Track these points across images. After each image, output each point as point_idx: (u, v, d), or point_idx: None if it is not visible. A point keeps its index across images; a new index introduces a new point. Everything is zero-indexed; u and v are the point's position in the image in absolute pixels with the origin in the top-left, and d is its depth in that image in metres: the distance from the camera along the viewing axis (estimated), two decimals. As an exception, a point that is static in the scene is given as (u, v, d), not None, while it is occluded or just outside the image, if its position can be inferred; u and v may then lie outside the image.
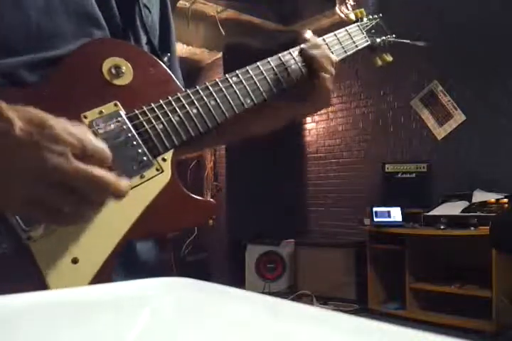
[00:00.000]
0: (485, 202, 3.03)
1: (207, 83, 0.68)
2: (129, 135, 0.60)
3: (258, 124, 0.87)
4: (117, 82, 0.62)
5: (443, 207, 3.26)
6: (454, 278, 3.08)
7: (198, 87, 0.67)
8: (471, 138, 3.46)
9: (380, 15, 0.97)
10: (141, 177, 0.61)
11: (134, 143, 0.60)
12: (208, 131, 0.67)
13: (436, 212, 3.21)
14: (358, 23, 0.93)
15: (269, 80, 0.74)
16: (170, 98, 0.64)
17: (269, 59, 0.76)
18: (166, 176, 0.63)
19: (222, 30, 4.36)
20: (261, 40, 4.55)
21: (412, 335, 0.23)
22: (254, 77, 0.72)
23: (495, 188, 3.14)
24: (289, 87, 0.77)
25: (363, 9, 0.95)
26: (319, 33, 0.84)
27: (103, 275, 0.57)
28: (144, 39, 0.72)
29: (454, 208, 3.15)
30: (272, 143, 4.64)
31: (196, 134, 0.65)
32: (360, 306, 3.56)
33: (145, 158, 0.61)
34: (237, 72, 0.71)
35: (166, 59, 0.72)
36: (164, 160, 0.63)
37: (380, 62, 0.99)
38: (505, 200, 2.96)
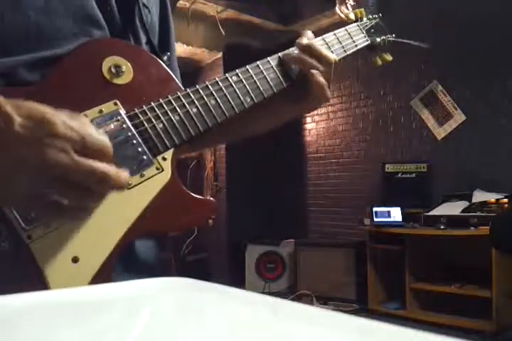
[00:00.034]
0: (485, 202, 3.03)
1: (207, 82, 0.68)
2: (129, 134, 0.60)
3: (258, 123, 0.87)
4: (117, 81, 0.62)
5: (443, 207, 3.26)
6: (454, 278, 3.08)
7: (198, 86, 0.67)
8: (471, 138, 3.46)
9: (380, 14, 0.97)
10: (141, 176, 0.61)
11: (134, 142, 0.60)
12: (208, 130, 0.67)
13: (436, 212, 3.21)
14: (358, 23, 0.93)
15: (268, 79, 0.74)
16: (170, 97, 0.64)
17: (268, 58, 0.76)
18: (166, 175, 0.63)
19: (222, 30, 4.36)
20: (261, 40, 4.55)
21: (412, 335, 0.23)
22: (254, 76, 0.73)
23: (495, 188, 3.14)
24: (289, 86, 0.77)
25: (362, 9, 0.95)
26: (319, 33, 0.84)
27: (103, 275, 0.57)
28: (143, 38, 0.72)
29: (454, 208, 3.15)
30: (272, 143, 4.65)
31: (196, 133, 0.65)
32: (360, 306, 3.56)
33: (145, 157, 0.61)
34: (236, 71, 0.71)
35: (165, 58, 0.72)
36: (164, 159, 0.63)
37: (379, 62, 0.99)
38: (505, 200, 2.96)
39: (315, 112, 4.71)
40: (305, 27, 4.15)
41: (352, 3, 0.96)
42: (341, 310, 3.36)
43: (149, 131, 0.62)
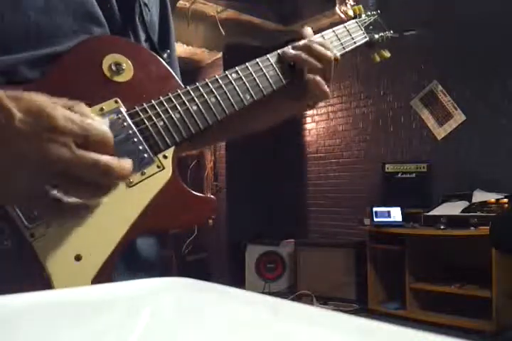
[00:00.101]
0: (485, 202, 3.03)
1: (207, 80, 0.68)
2: (130, 132, 0.60)
3: (258, 120, 0.87)
4: (118, 78, 0.62)
5: (443, 207, 3.26)
6: (454, 278, 3.08)
7: (198, 84, 0.67)
8: (471, 138, 3.46)
9: (379, 11, 0.98)
10: (142, 174, 0.61)
11: (135, 140, 0.60)
12: (208, 128, 0.67)
13: (436, 212, 3.21)
14: (357, 20, 0.93)
15: (268, 77, 0.75)
16: (170, 95, 0.64)
17: (268, 56, 0.76)
18: (167, 173, 0.63)
19: (222, 30, 4.36)
20: (261, 40, 4.55)
21: (412, 335, 0.23)
22: (253, 74, 0.73)
23: (495, 188, 3.14)
24: (288, 83, 0.77)
25: (361, 5, 0.95)
26: (319, 33, 0.84)
27: (106, 272, 0.57)
28: (143, 36, 0.72)
29: (454, 208, 3.15)
30: (272, 143, 4.66)
31: (196, 131, 0.65)
32: (360, 306, 3.56)
33: (146, 155, 0.61)
34: (236, 68, 0.72)
35: (165, 56, 0.72)
36: (165, 157, 0.63)
37: (378, 58, 1.00)
38: (505, 200, 2.96)
39: (315, 112, 4.71)
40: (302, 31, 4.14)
41: (352, 3, 0.96)
42: (341, 310, 3.36)
43: (150, 128, 0.62)
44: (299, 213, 4.78)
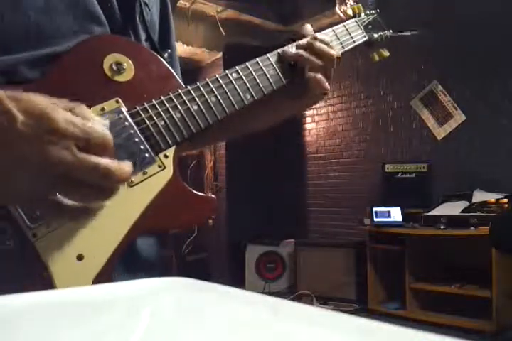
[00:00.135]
0: (485, 202, 3.03)
1: (207, 79, 0.68)
2: (131, 132, 0.60)
3: (258, 120, 0.87)
4: (118, 78, 0.62)
5: (443, 207, 3.26)
6: (454, 278, 3.08)
7: (198, 84, 0.67)
8: (471, 138, 3.46)
9: (378, 10, 0.98)
10: (144, 173, 0.61)
11: (136, 139, 0.60)
12: (209, 128, 0.67)
13: (436, 212, 3.21)
14: (356, 19, 0.93)
15: (268, 76, 0.75)
16: (171, 94, 0.64)
17: (268, 55, 0.76)
18: (168, 173, 0.63)
19: (222, 30, 4.36)
20: (261, 40, 4.55)
21: (412, 335, 0.23)
22: (253, 73, 0.73)
23: (495, 188, 3.14)
24: (288, 82, 0.77)
25: (360, 4, 0.95)
26: (319, 32, 0.84)
27: (108, 272, 0.57)
28: (143, 36, 0.72)
29: (454, 208, 3.15)
30: (272, 143, 4.65)
31: (197, 130, 0.66)
32: (360, 306, 3.56)
33: (147, 155, 0.61)
34: (236, 68, 0.72)
35: (166, 55, 0.72)
36: (166, 156, 0.63)
37: (377, 58, 0.99)
38: (505, 200, 2.96)
39: (315, 112, 4.71)
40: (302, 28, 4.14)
41: (352, 3, 0.96)
42: (341, 310, 3.36)
43: (151, 128, 0.62)
44: (299, 213, 4.78)
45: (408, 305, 3.22)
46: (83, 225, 0.56)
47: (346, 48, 0.87)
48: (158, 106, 0.63)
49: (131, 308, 0.32)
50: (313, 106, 4.63)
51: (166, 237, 3.80)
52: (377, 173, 3.86)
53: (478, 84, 3.41)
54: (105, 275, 0.57)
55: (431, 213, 3.22)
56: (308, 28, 0.80)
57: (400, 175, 3.68)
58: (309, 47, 0.77)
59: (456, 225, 2.99)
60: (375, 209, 3.47)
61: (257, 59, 0.75)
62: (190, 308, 0.32)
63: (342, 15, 0.95)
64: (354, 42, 0.90)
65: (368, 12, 0.96)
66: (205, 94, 0.67)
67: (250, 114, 0.79)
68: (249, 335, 0.26)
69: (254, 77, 0.73)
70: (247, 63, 0.73)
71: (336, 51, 0.79)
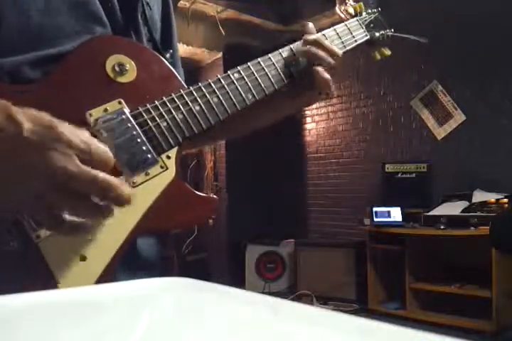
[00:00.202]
0: (485, 202, 3.03)
1: (209, 80, 0.68)
2: (134, 133, 0.61)
3: (259, 119, 0.87)
4: (121, 79, 0.62)
5: (443, 207, 3.26)
6: (454, 278, 3.08)
7: (200, 84, 0.67)
8: (471, 138, 3.46)
9: (379, 9, 0.97)
10: (146, 174, 0.61)
11: (139, 140, 0.61)
12: (211, 128, 0.67)
13: (436, 212, 3.21)
14: (357, 18, 0.93)
15: (270, 76, 0.75)
16: (173, 95, 0.64)
17: (269, 55, 0.76)
18: (171, 173, 0.63)
19: (222, 30, 4.36)
20: (261, 40, 4.55)
21: (412, 335, 0.23)
22: (255, 73, 0.73)
23: (495, 188, 3.14)
24: (290, 82, 0.77)
25: (361, 3, 0.95)
26: (319, 32, 0.84)
27: (110, 272, 0.58)
28: (145, 36, 0.72)
29: (454, 208, 3.15)
30: (272, 143, 4.65)
31: (199, 131, 0.66)
32: (360, 306, 3.56)
33: (149, 156, 0.61)
34: (238, 68, 0.72)
35: (168, 56, 0.72)
36: (168, 157, 0.64)
37: (378, 57, 0.99)
38: (505, 200, 2.96)
39: (315, 112, 4.71)
40: (304, 27, 4.14)
41: (352, 3, 0.96)
42: (341, 310, 3.36)
43: (153, 129, 0.62)
44: (299, 213, 4.78)
45: (408, 305, 3.22)
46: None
47: (348, 48, 0.87)
48: (160, 107, 0.63)
49: (131, 308, 0.32)
50: (313, 106, 4.63)
51: (167, 237, 3.81)
52: (377, 173, 3.86)
53: (478, 84, 3.41)
54: (108, 276, 0.57)
55: (431, 213, 3.22)
56: (311, 26, 0.80)
57: (399, 175, 3.68)
58: (318, 45, 0.77)
59: (456, 225, 2.99)
60: (375, 209, 3.47)
61: (259, 59, 0.75)
62: (190, 308, 0.32)
63: (342, 15, 0.95)
64: (356, 41, 0.90)
65: (370, 11, 0.96)
66: (207, 95, 0.67)
67: (251, 114, 0.79)
68: (249, 335, 0.26)
69: (256, 77, 0.73)
70: (248, 63, 0.73)
71: (339, 50, 0.80)
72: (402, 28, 1.03)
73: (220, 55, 4.89)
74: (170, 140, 0.63)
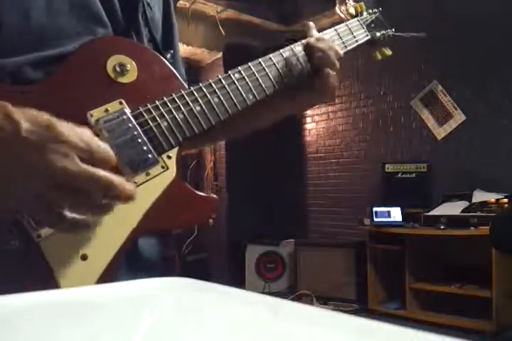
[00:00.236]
0: (485, 202, 3.03)
1: (210, 80, 0.68)
2: (135, 133, 0.61)
3: (260, 119, 0.87)
4: (122, 79, 0.63)
5: (443, 207, 3.26)
6: (454, 278, 3.08)
7: (201, 85, 0.67)
8: (471, 138, 3.46)
9: (380, 9, 0.97)
10: (147, 174, 0.62)
11: (140, 140, 0.61)
12: (212, 128, 0.67)
13: (436, 212, 3.21)
14: (358, 18, 0.93)
15: (271, 76, 0.75)
16: (174, 95, 0.64)
17: (270, 55, 0.76)
18: (171, 173, 0.64)
19: (222, 30, 4.36)
20: (261, 40, 4.55)
21: (412, 335, 0.23)
22: (256, 74, 0.73)
23: (495, 188, 3.14)
24: (291, 83, 0.77)
25: (362, 3, 0.94)
26: (320, 32, 0.84)
27: (111, 272, 0.58)
28: (146, 36, 0.72)
29: (454, 208, 3.15)
30: (272, 143, 4.65)
31: (200, 131, 0.66)
32: (360, 306, 3.56)
33: (150, 156, 0.62)
34: (239, 68, 0.72)
35: (168, 56, 0.72)
36: (169, 157, 0.64)
37: (379, 56, 0.99)
38: (505, 200, 2.96)
39: (315, 112, 4.71)
40: (305, 27, 4.14)
41: (352, 3, 0.96)
42: (341, 310, 3.36)
43: (154, 129, 0.62)
44: (299, 213, 4.78)
45: (408, 305, 3.22)
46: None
47: (348, 48, 0.87)
48: (161, 108, 0.63)
49: (131, 308, 0.32)
50: (313, 106, 4.63)
51: (168, 237, 3.81)
52: (377, 173, 3.86)
53: (478, 84, 3.41)
54: (109, 275, 0.57)
55: (431, 213, 3.22)
56: (312, 25, 0.80)
57: (399, 175, 3.68)
58: (323, 42, 0.77)
59: (456, 225, 2.99)
60: (375, 209, 3.47)
61: (260, 59, 0.75)
62: (190, 308, 0.32)
63: (342, 15, 0.95)
64: (357, 41, 0.90)
65: (371, 11, 0.96)
66: (208, 95, 0.67)
67: (252, 114, 0.79)
68: (249, 335, 0.26)
69: (256, 78, 0.73)
70: (249, 63, 0.73)
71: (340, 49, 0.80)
72: (402, 27, 1.03)
73: (220, 55, 4.89)
74: (171, 140, 0.63)
